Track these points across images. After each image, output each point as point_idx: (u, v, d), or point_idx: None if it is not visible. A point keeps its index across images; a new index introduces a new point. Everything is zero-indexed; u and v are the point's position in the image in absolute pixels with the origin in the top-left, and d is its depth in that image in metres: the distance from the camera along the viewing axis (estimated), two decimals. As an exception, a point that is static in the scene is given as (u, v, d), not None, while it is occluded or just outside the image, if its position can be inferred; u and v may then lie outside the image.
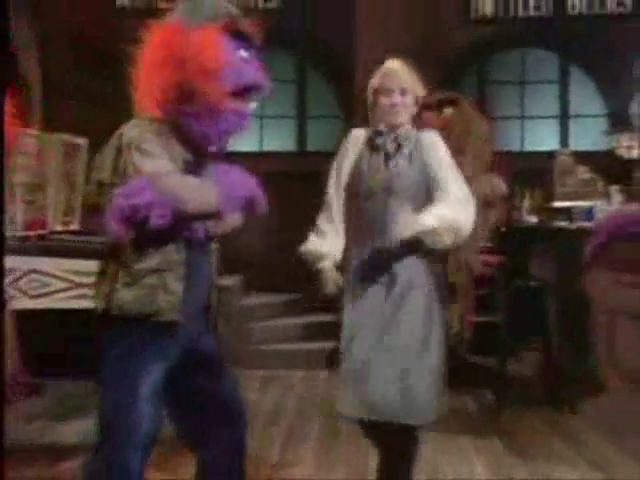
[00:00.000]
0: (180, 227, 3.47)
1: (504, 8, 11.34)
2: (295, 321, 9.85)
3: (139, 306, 3.47)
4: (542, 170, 9.08)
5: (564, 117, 13.85)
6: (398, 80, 4.12)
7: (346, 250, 4.23)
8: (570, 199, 8.28)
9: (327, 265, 4.14)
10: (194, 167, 3.58)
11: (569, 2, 11.29)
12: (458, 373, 7.22)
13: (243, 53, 3.67)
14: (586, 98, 13.80)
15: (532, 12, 11.36)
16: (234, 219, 3.70)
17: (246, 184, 3.55)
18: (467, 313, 7.43)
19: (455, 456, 5.43)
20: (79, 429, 5.92)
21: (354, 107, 7.58)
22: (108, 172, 3.52)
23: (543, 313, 7.08)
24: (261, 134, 13.29)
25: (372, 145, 4.15)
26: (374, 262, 4.05)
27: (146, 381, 3.49)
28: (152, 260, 3.50)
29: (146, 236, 3.41)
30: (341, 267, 4.24)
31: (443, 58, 13.05)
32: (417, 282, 4.05)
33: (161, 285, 3.48)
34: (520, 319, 7.10)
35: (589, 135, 13.41)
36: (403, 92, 4.12)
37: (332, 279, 4.13)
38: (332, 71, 12.19)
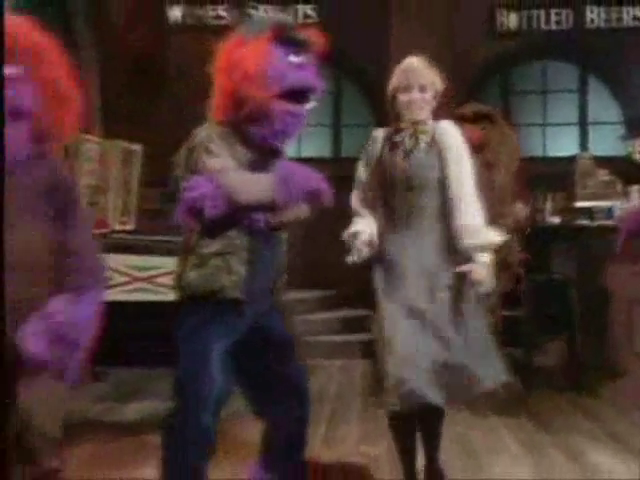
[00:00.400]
0: (239, 216, 3.73)
1: (527, 22, 11.38)
2: (331, 315, 10.01)
3: (205, 284, 3.74)
4: (563, 174, 9.08)
5: (583, 124, 13.88)
6: (417, 77, 4.00)
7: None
8: (591, 200, 8.31)
9: (359, 234, 4.04)
10: (257, 165, 3.79)
11: (588, 17, 11.33)
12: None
13: (292, 58, 3.81)
14: (604, 106, 13.84)
15: (553, 26, 11.40)
16: (298, 210, 3.86)
17: (308, 179, 3.75)
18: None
19: (488, 433, 5.59)
20: (138, 409, 6.13)
21: (385, 116, 7.73)
22: (182, 169, 3.80)
23: (567, 306, 7.14)
24: (300, 141, 13.48)
25: (392, 142, 4.07)
26: (407, 255, 3.98)
27: (214, 353, 3.73)
28: (217, 245, 3.75)
29: (210, 224, 3.70)
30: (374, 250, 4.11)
31: (470, 69, 13.16)
32: (446, 280, 3.98)
33: (225, 267, 3.73)
34: (544, 313, 7.20)
35: (607, 141, 13.44)
36: (422, 88, 4.00)
37: (359, 248, 4.00)
38: (365, 83, 12.33)
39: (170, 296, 7.34)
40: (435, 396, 3.84)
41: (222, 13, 11.07)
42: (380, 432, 5.02)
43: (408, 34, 10.46)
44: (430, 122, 4.08)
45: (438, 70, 4.09)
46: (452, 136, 4.06)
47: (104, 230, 7.90)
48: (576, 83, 13.96)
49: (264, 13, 11.10)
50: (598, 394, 6.51)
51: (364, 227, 4.07)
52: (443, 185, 3.98)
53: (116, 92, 9.59)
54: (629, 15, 11.36)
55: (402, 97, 4.01)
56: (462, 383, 3.89)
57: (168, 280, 7.50)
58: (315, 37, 3.95)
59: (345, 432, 4.86)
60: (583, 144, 13.67)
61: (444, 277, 3.97)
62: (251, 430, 4.50)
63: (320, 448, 4.69)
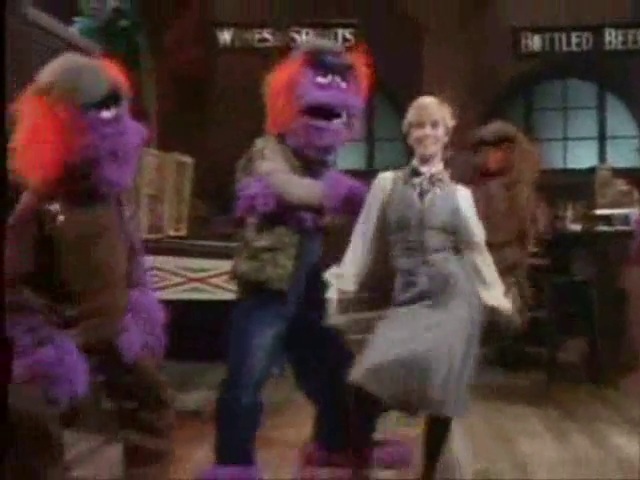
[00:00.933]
0: (289, 215, 3.94)
1: (550, 44, 11.40)
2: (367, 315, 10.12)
3: (254, 275, 3.98)
4: (583, 184, 9.12)
5: (602, 138, 13.92)
6: (429, 113, 3.94)
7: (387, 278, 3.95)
8: (609, 207, 8.32)
9: (338, 282, 3.91)
10: (306, 172, 4.01)
11: (606, 39, 11.34)
12: (516, 360, 7.51)
13: (320, 79, 4.02)
14: (621, 121, 13.88)
15: (574, 48, 11.42)
16: (338, 215, 4.06)
17: (352, 187, 3.96)
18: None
19: (516, 419, 5.69)
20: (196, 398, 6.25)
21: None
22: (240, 174, 4.00)
23: (587, 306, 7.18)
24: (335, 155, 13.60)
25: (407, 182, 3.95)
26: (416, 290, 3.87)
27: (260, 337, 3.98)
28: (267, 240, 3.97)
29: (263, 220, 3.96)
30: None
31: (496, 87, 13.24)
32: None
33: (272, 261, 3.95)
34: (566, 313, 7.26)
35: (624, 153, 13.46)
36: (434, 124, 3.93)
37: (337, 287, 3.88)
38: (398, 101, 12.43)
39: (221, 295, 7.56)
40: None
41: (267, 36, 11.19)
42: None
43: (439, 57, 10.56)
44: (445, 172, 4.01)
45: (450, 108, 4.04)
46: (468, 199, 4.04)
47: (159, 235, 8.07)
48: (595, 100, 14.01)
49: (306, 36, 11.26)
50: (616, 386, 6.58)
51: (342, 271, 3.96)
52: (452, 229, 3.95)
53: (171, 109, 9.78)
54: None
55: (415, 132, 3.95)
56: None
57: (219, 281, 7.69)
58: (355, 61, 4.15)
59: (384, 415, 4.94)
60: (601, 156, 13.70)
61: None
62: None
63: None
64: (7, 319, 3.41)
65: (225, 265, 7.58)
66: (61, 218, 3.49)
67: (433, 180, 3.95)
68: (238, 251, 4.12)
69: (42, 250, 3.48)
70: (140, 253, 3.76)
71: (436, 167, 3.97)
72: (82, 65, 3.62)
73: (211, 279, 7.63)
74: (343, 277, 3.93)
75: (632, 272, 6.96)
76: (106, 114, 3.49)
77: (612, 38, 11.33)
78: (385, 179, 4.01)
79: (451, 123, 4.01)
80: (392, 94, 12.44)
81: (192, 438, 4.84)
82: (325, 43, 4.22)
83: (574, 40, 11.36)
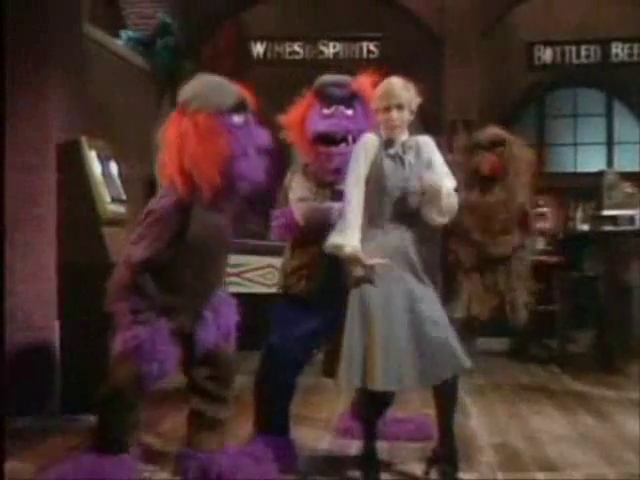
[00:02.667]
0: (314, 236, 4.15)
1: (561, 56, 11.40)
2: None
3: (290, 289, 4.37)
4: (591, 187, 9.10)
5: (609, 144, 13.93)
6: (395, 96, 3.91)
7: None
8: (616, 209, 8.35)
9: (349, 250, 3.84)
10: (327, 196, 4.27)
11: (613, 51, 11.34)
12: (529, 351, 7.59)
13: (325, 110, 4.29)
14: (628, 128, 13.87)
15: (583, 59, 11.41)
16: None
17: None
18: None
19: (529, 401, 5.79)
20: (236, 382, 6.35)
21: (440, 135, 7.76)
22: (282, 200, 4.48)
23: (596, 300, 7.24)
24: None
25: (387, 152, 3.94)
26: (390, 248, 3.89)
27: (297, 329, 4.27)
28: (299, 260, 4.34)
29: (294, 244, 4.39)
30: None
31: (511, 96, 13.29)
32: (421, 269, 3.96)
33: (304, 276, 4.31)
34: (577, 306, 7.33)
35: (630, 158, 13.46)
36: (399, 107, 3.91)
37: (359, 260, 3.82)
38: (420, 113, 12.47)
39: (255, 288, 7.67)
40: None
41: (297, 49, 11.29)
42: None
43: (459, 68, 10.60)
44: (409, 137, 4.00)
45: (414, 87, 4.02)
46: (431, 145, 4.03)
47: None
48: (603, 108, 14.01)
49: (333, 49, 11.35)
50: (624, 372, 6.65)
51: (344, 240, 3.89)
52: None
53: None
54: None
55: (382, 116, 3.95)
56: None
57: (253, 275, 7.83)
58: (360, 88, 4.33)
59: (408, 397, 5.04)
60: (609, 161, 13.71)
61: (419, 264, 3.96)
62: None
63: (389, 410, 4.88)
64: (118, 294, 3.77)
65: (258, 261, 7.75)
66: (197, 219, 3.77)
67: (405, 148, 3.96)
68: (280, 269, 4.56)
69: (173, 243, 3.75)
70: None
71: (404, 136, 3.98)
72: (214, 80, 3.91)
73: (246, 274, 7.77)
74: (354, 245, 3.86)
75: (637, 268, 7.05)
76: (237, 119, 3.72)
77: (619, 50, 11.33)
78: (373, 141, 3.98)
79: (416, 102, 4.00)
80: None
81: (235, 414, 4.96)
82: (330, 77, 4.39)
83: (583, 52, 11.37)
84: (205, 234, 3.82)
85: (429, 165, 3.96)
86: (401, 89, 3.97)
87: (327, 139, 4.24)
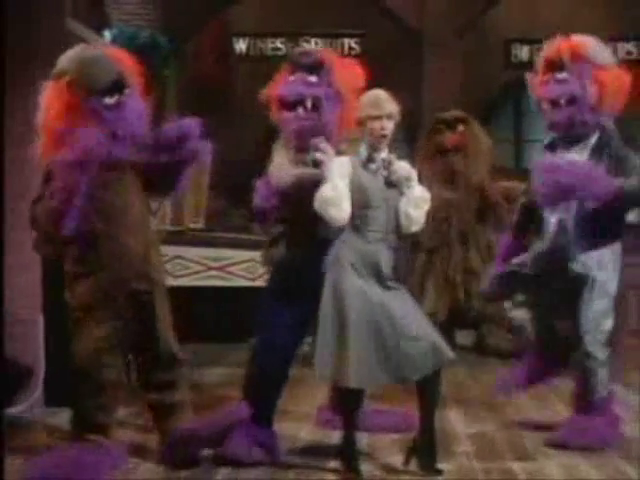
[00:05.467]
0: (300, 226, 4.18)
1: (537, 54, 11.46)
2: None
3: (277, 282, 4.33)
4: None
5: (586, 141, 13.99)
6: (386, 107, 3.94)
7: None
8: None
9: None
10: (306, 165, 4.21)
11: (588, 50, 11.42)
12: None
13: (289, 77, 4.29)
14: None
15: (559, 57, 11.49)
16: None
17: None
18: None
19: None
20: (217, 373, 6.35)
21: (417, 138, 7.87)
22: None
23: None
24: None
25: (367, 167, 3.95)
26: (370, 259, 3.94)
27: (284, 318, 4.23)
28: (286, 251, 4.28)
29: (279, 234, 4.32)
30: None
31: (489, 93, 13.29)
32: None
33: (291, 269, 4.24)
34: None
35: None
36: (389, 117, 3.95)
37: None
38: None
39: (237, 282, 7.65)
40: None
41: (279, 45, 11.28)
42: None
43: (437, 65, 10.62)
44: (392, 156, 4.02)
45: (397, 102, 4.04)
46: (412, 173, 4.05)
47: (181, 227, 8.17)
48: (579, 106, 14.06)
49: (315, 45, 11.34)
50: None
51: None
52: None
53: (190, 110, 9.83)
54: (622, 50, 11.45)
55: (372, 124, 3.94)
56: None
57: (236, 269, 7.82)
58: (327, 58, 4.35)
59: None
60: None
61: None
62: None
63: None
64: None
65: (241, 255, 7.74)
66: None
67: (385, 164, 3.97)
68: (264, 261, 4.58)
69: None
70: None
71: (385, 152, 4.00)
72: (93, 55, 3.86)
73: (229, 267, 7.76)
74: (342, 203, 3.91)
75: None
76: (109, 100, 3.67)
77: (594, 49, 11.39)
78: (347, 162, 3.98)
79: (398, 117, 4.01)
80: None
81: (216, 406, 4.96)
82: (301, 48, 4.41)
83: (560, 51, 11.44)
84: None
85: (408, 180, 4.00)
86: (390, 100, 4.01)
87: (284, 103, 4.27)
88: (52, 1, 5.71)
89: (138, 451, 4.26)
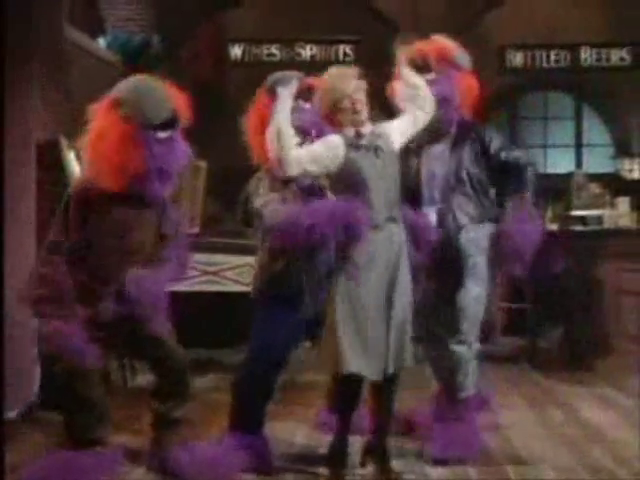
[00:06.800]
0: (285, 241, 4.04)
1: (531, 61, 11.46)
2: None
3: (270, 292, 4.21)
4: (561, 188, 9.15)
5: (578, 146, 14.00)
6: (354, 82, 3.83)
7: None
8: (584, 209, 8.42)
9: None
10: (297, 199, 4.11)
11: (582, 56, 11.40)
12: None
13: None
14: (596, 131, 13.93)
15: (553, 64, 11.48)
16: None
17: (334, 209, 3.95)
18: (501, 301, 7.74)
19: (498, 395, 5.79)
20: (210, 379, 6.35)
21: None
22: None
23: (566, 296, 7.25)
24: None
25: (356, 145, 3.83)
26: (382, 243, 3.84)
27: (278, 326, 4.16)
28: (279, 264, 4.15)
29: (273, 249, 4.16)
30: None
31: (483, 99, 13.30)
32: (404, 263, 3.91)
33: (285, 280, 4.13)
34: (547, 304, 7.35)
35: (598, 160, 13.56)
36: (356, 91, 3.83)
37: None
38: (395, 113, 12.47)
39: (232, 287, 7.63)
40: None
41: (274, 51, 11.27)
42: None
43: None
44: (374, 124, 3.94)
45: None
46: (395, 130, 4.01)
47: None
48: (572, 111, 14.06)
49: (310, 51, 11.32)
50: (591, 368, 6.67)
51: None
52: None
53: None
54: (616, 56, 11.46)
55: (347, 102, 3.81)
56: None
57: (230, 274, 7.79)
58: (315, 82, 4.15)
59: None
60: (578, 162, 13.76)
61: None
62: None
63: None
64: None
65: (236, 260, 7.72)
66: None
67: (374, 137, 3.87)
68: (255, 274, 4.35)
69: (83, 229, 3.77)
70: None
71: (368, 124, 3.90)
72: (152, 88, 3.85)
73: (224, 272, 7.74)
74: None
75: (605, 266, 7.10)
76: (162, 135, 3.69)
77: (587, 56, 11.39)
78: (338, 140, 3.85)
79: (365, 86, 3.89)
80: (388, 105, 12.50)
81: (208, 411, 4.97)
82: (280, 74, 4.24)
83: (553, 57, 11.43)
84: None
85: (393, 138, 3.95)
86: (354, 74, 3.89)
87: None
88: (51, 4, 5.72)
89: (134, 455, 4.24)
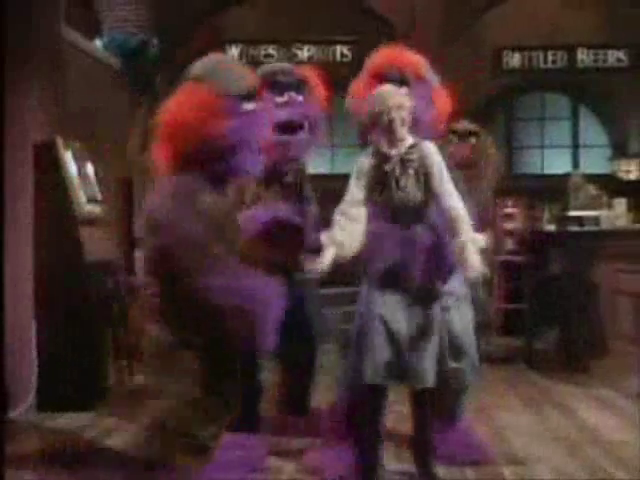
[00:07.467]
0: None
1: (528, 62, 11.49)
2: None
3: None
4: (558, 189, 9.16)
5: (575, 147, 14.04)
6: (394, 99, 3.76)
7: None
8: (581, 210, 8.42)
9: (331, 252, 3.70)
10: (276, 194, 4.19)
11: (579, 57, 11.44)
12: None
13: (278, 99, 4.15)
14: (593, 131, 13.97)
15: (550, 65, 11.52)
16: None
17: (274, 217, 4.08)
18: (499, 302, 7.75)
19: (496, 396, 5.80)
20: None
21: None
22: None
23: (562, 298, 7.26)
24: (332, 160, 13.72)
25: (381, 170, 3.80)
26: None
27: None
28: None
29: None
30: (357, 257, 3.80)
31: (480, 100, 13.30)
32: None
33: None
34: (543, 304, 7.35)
35: (595, 161, 13.60)
36: (400, 108, 3.76)
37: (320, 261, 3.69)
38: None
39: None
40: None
41: (272, 52, 11.28)
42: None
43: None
44: (411, 143, 3.84)
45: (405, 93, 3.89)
46: (434, 155, 3.88)
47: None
48: (569, 112, 14.10)
49: (308, 52, 11.33)
50: (588, 369, 6.67)
51: (341, 238, 3.75)
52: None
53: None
54: (613, 57, 11.49)
55: (385, 118, 3.75)
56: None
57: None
58: (307, 75, 4.26)
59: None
60: (575, 163, 13.80)
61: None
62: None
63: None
64: None
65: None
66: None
67: (404, 161, 3.80)
68: None
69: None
70: None
71: (403, 147, 3.82)
72: (230, 62, 3.89)
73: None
74: (343, 245, 3.75)
75: (602, 267, 7.10)
76: (247, 106, 3.63)
77: (584, 57, 11.43)
78: (363, 162, 3.82)
79: (411, 105, 3.82)
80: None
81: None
82: (275, 65, 4.17)
83: (550, 58, 11.46)
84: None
85: (429, 177, 3.84)
86: (397, 92, 3.85)
87: (286, 128, 4.13)
88: (48, 5, 5.71)
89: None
